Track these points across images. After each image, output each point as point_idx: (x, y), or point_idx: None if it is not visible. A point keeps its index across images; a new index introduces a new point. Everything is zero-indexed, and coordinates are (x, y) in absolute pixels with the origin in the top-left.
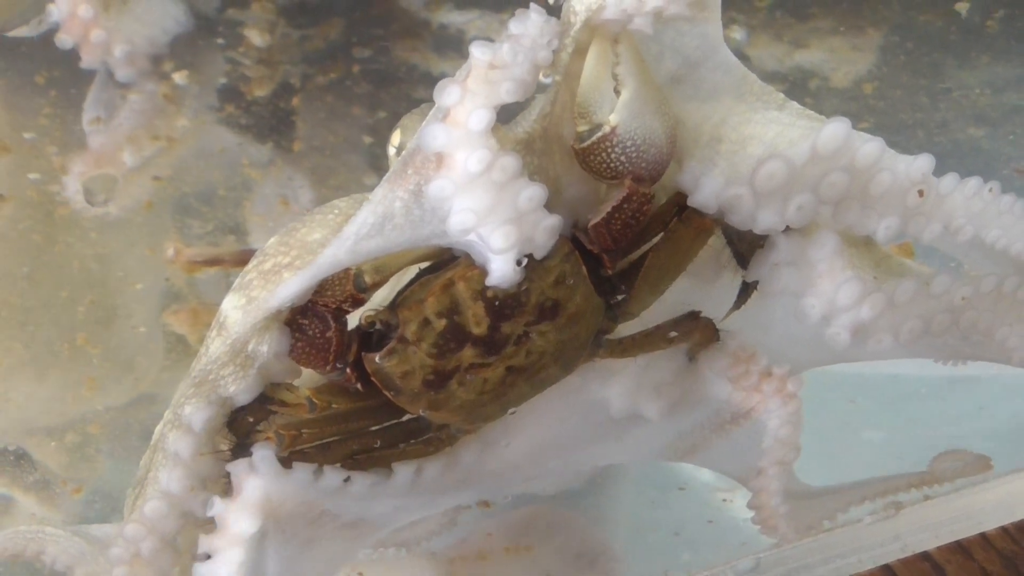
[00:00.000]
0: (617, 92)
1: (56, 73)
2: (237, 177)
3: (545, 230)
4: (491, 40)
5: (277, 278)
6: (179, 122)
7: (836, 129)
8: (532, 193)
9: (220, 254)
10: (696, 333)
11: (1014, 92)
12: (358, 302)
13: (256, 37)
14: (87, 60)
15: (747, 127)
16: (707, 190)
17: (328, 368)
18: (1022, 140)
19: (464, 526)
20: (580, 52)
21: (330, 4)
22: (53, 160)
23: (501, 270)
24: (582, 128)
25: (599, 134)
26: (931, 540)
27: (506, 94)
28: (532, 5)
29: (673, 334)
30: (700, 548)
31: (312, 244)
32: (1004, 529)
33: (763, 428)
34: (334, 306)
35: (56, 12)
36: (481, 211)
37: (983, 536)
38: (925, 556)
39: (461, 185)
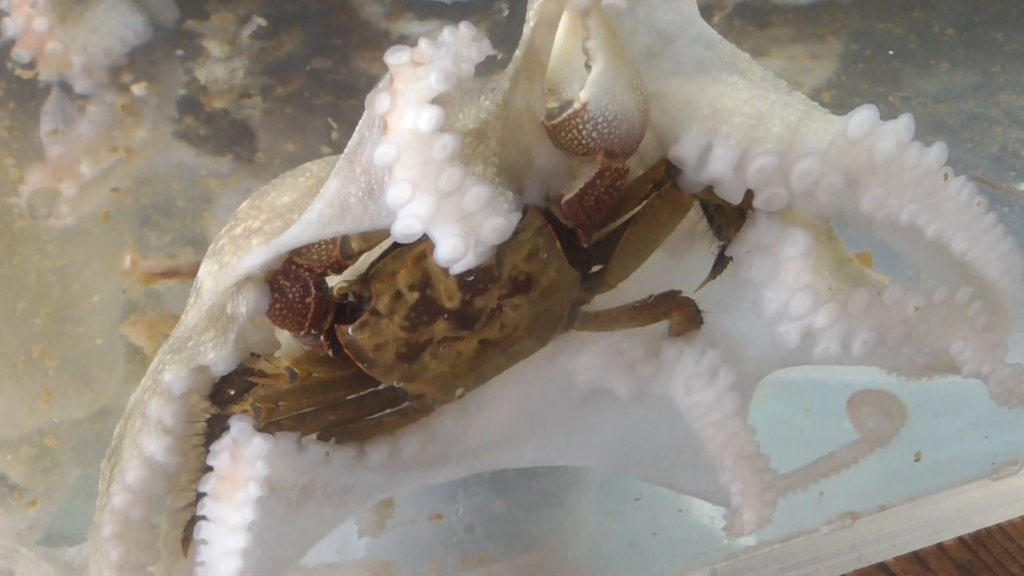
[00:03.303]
0: (588, 67)
1: (14, 85)
2: (196, 189)
3: (493, 231)
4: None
5: (247, 244)
6: (138, 134)
7: (864, 116)
8: (479, 192)
9: (177, 266)
10: (675, 312)
11: (972, 100)
12: (343, 267)
13: (216, 48)
14: (44, 73)
15: (761, 105)
16: (722, 162)
17: (303, 333)
18: (980, 147)
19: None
20: (546, 24)
21: (290, 15)
22: (11, 172)
23: (458, 269)
24: (552, 105)
25: (569, 111)
26: (888, 550)
27: (436, 83)
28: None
29: (646, 309)
30: (655, 559)
31: (281, 208)
32: (961, 539)
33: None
34: (318, 270)
35: (11, 26)
36: (426, 218)
37: (939, 546)
38: (882, 567)
39: (418, 187)
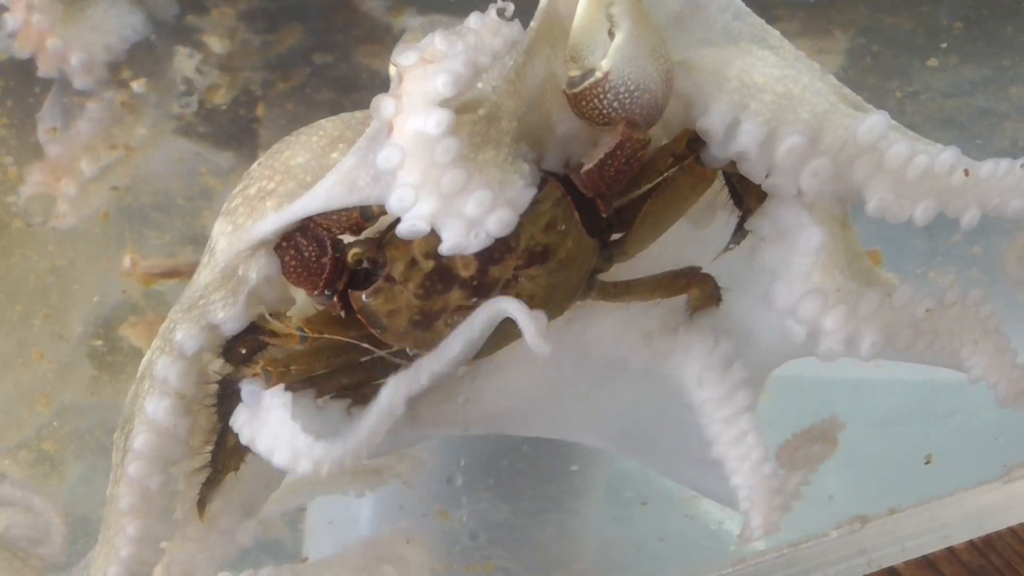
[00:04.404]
0: (611, 34)
1: (12, 82)
2: (196, 186)
3: (496, 222)
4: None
5: (261, 206)
6: (137, 131)
7: (876, 121)
8: (481, 197)
9: (177, 266)
10: (694, 288)
11: (982, 95)
12: (362, 229)
13: (216, 44)
14: (43, 69)
15: (793, 87)
16: (749, 137)
17: (316, 292)
18: (990, 143)
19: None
20: None
21: (290, 10)
22: (9, 171)
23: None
24: (573, 73)
25: (590, 80)
26: (898, 554)
27: (443, 87)
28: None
29: (665, 282)
30: (662, 564)
31: (295, 169)
32: (971, 543)
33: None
34: (336, 231)
35: (11, 22)
36: (429, 218)
37: (950, 550)
38: (891, 571)
39: (421, 190)
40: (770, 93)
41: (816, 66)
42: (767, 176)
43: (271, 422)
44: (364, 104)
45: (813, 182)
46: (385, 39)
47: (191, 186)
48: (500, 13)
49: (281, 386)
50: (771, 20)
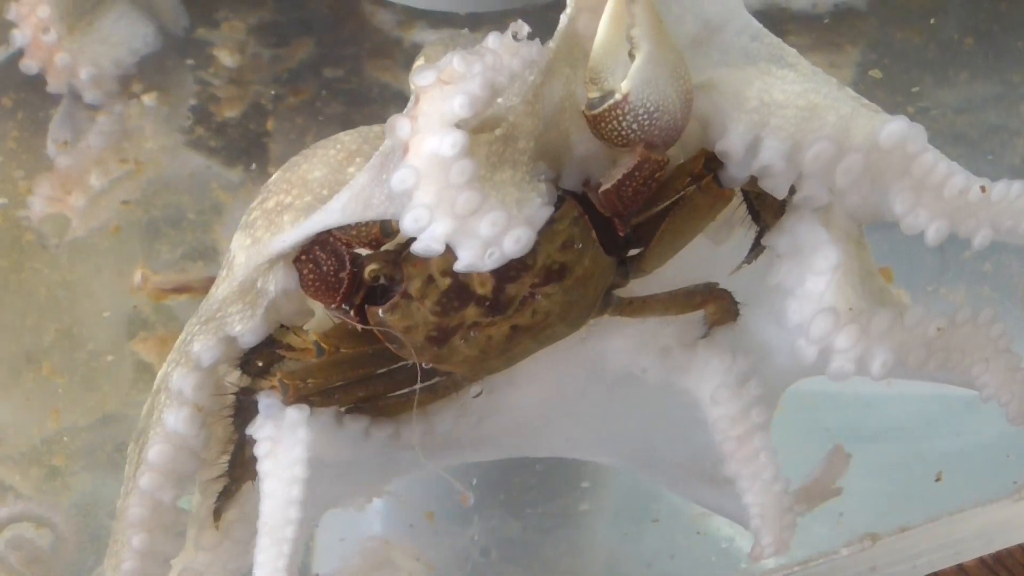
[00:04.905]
0: (631, 56)
1: (23, 96)
2: (206, 200)
3: (514, 241)
4: None
5: (279, 220)
6: (147, 144)
7: (897, 126)
8: (495, 218)
9: (188, 281)
10: (711, 303)
11: (992, 110)
12: (381, 244)
13: (226, 57)
14: (53, 85)
15: (815, 97)
16: (772, 152)
17: (333, 306)
18: (1001, 159)
19: None
20: (590, 9)
21: (300, 24)
22: (19, 184)
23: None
24: (593, 94)
25: (610, 102)
26: (908, 572)
27: (460, 108)
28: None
29: (681, 298)
30: None
31: (312, 183)
32: (982, 560)
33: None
34: (356, 245)
35: (20, 37)
36: (444, 239)
37: (960, 567)
38: None
39: (435, 210)
40: (792, 108)
41: (833, 80)
42: (796, 189)
43: (281, 481)
44: (374, 117)
45: (846, 179)
46: (395, 53)
47: (202, 200)
48: (515, 35)
49: (304, 425)
50: (782, 35)
